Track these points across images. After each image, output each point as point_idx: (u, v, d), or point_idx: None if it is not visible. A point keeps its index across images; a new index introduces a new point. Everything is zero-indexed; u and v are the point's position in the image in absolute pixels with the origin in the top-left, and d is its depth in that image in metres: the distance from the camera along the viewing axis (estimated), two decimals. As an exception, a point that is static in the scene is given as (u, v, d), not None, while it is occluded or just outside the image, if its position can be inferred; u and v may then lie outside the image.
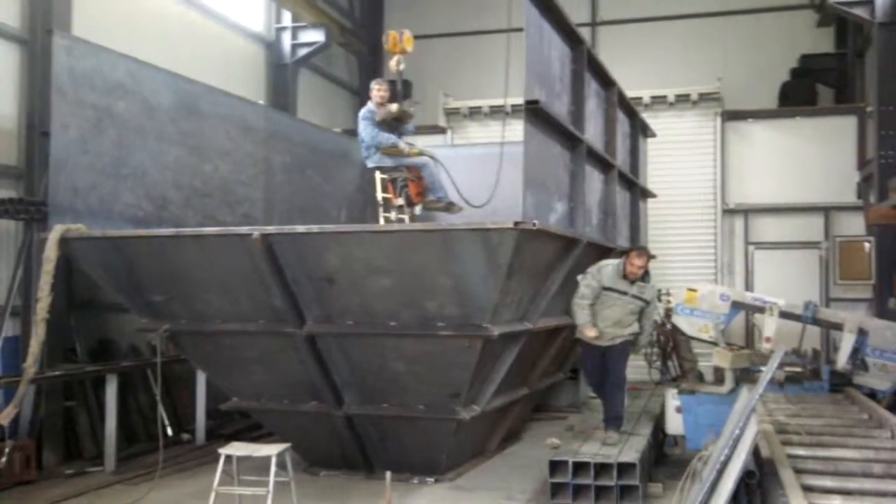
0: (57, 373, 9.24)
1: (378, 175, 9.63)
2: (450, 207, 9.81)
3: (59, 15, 9.83)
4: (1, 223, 9.26)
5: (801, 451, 5.92)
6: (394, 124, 9.69)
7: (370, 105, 9.68)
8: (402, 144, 9.63)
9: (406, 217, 9.60)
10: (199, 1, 13.00)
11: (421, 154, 9.79)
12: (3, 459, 8.35)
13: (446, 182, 9.86)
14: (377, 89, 9.66)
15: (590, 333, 8.47)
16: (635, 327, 8.69)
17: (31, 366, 8.10)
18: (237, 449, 7.15)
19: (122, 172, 8.81)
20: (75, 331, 10.15)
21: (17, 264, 9.41)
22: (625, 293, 8.54)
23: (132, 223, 8.79)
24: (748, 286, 14.77)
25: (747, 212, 15.28)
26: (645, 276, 8.69)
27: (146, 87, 9.22)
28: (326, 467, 9.09)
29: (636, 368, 10.61)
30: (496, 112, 15.87)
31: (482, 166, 9.08)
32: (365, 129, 9.61)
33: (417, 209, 9.72)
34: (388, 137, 9.54)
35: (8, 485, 8.47)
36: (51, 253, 7.90)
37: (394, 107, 9.51)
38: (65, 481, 8.93)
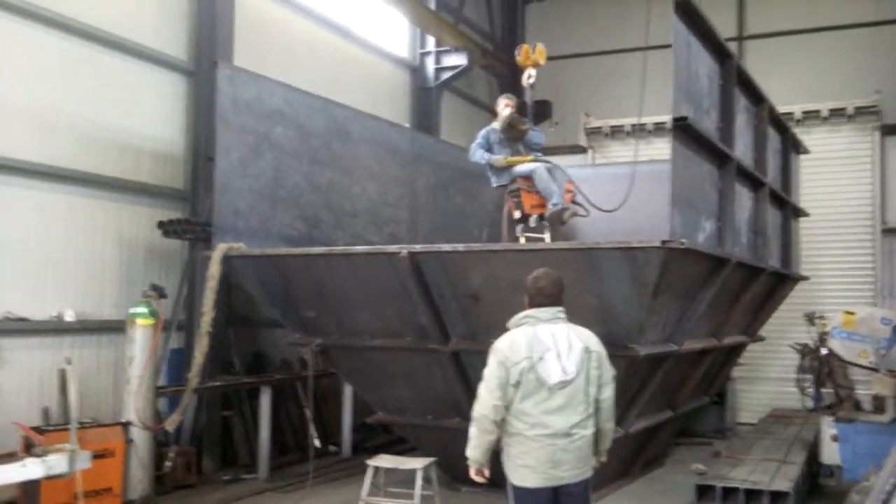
0: (216, 383, 9.77)
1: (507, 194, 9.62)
2: (563, 213, 9.17)
3: (222, 46, 10.42)
4: (169, 243, 9.91)
5: (976, 487, 5.52)
6: (514, 134, 9.59)
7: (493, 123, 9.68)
8: (500, 158, 9.45)
9: (547, 236, 9.56)
10: (349, 30, 13.53)
11: (534, 161, 9.41)
12: (169, 464, 8.91)
13: (564, 187, 9.45)
14: (505, 103, 9.69)
15: None
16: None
17: (195, 376, 8.60)
18: (385, 461, 7.37)
19: (279, 194, 9.22)
20: (233, 344, 10.71)
21: (183, 281, 10.05)
22: None
23: (287, 242, 9.16)
24: (911, 310, 13.87)
25: (910, 231, 14.40)
26: None
27: (301, 112, 9.60)
28: (468, 483, 9.09)
29: (787, 395, 10.17)
30: (638, 130, 15.65)
31: (624, 185, 8.97)
32: (471, 153, 9.70)
33: (532, 221, 9.29)
34: (481, 155, 9.56)
35: (171, 488, 9.00)
36: (214, 270, 8.34)
37: (506, 112, 9.50)
38: (222, 486, 9.45)
